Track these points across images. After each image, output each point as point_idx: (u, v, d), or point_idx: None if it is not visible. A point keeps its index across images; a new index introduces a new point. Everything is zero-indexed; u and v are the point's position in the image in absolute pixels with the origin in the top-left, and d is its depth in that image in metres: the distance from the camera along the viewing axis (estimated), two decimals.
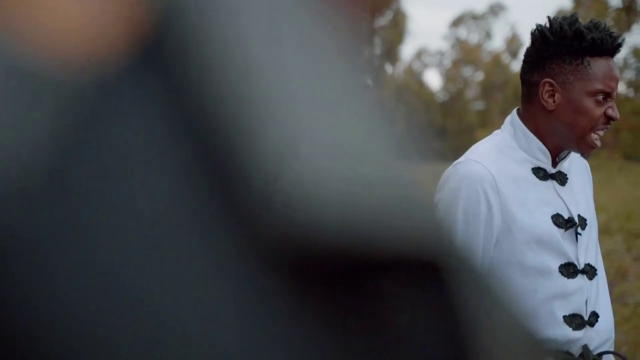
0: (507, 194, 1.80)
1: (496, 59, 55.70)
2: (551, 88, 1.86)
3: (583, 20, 1.85)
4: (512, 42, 55.40)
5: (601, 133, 1.85)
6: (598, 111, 1.82)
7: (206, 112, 0.25)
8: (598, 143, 1.85)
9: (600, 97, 1.82)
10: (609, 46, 1.81)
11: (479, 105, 57.07)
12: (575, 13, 1.87)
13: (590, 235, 1.90)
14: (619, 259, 7.64)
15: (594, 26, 1.83)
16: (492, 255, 1.82)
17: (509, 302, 0.32)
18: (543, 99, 1.87)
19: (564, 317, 1.82)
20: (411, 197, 0.25)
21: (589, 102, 1.82)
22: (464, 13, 59.98)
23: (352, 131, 0.25)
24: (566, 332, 1.82)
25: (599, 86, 1.81)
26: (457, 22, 59.64)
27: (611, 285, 6.94)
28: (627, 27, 30.06)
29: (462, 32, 59.78)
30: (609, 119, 1.83)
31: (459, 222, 1.79)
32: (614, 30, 1.83)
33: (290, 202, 0.24)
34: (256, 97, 0.25)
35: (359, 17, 0.31)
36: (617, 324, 5.86)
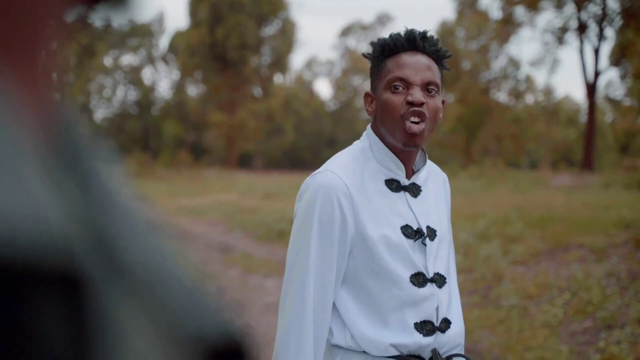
0: (359, 205, 1.86)
1: None
2: (369, 98, 1.99)
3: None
4: None
5: (414, 120, 1.87)
6: (397, 99, 1.89)
7: None
8: (414, 128, 1.87)
9: (398, 87, 1.90)
10: (402, 43, 1.91)
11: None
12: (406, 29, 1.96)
13: (440, 245, 1.98)
14: (495, 263, 7.91)
15: (392, 35, 1.95)
16: (349, 263, 1.88)
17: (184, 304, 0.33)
18: (366, 109, 1.99)
19: (415, 324, 1.89)
20: (43, 217, 0.25)
21: (387, 94, 1.91)
22: (353, 23, 60.75)
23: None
24: (417, 339, 1.88)
25: (391, 75, 1.91)
26: (346, 32, 60.43)
27: (488, 288, 7.19)
28: (506, 38, 31.25)
29: (351, 42, 60.65)
30: (412, 104, 1.87)
31: (314, 231, 1.84)
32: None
33: None
34: None
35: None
36: (491, 327, 6.08)
